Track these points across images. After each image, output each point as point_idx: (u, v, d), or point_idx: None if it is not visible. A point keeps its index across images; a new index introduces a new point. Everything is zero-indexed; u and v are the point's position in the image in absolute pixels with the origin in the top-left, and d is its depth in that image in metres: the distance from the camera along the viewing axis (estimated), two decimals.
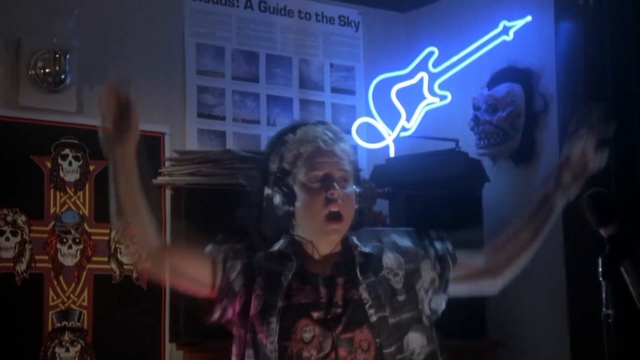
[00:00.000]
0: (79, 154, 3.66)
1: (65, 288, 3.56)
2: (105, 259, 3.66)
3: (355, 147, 4.25)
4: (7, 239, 3.47)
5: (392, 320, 1.98)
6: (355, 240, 2.08)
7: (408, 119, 4.05)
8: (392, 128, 4.07)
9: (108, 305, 3.63)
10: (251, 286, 2.03)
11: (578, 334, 3.31)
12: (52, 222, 3.58)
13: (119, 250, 3.67)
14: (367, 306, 1.97)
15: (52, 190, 3.59)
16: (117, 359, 3.61)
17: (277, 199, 2.06)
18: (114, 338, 3.61)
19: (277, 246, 2.07)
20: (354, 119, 4.22)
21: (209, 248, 2.11)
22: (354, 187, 2.06)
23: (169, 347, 3.68)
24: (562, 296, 3.39)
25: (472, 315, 3.47)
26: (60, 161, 3.62)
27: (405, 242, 2.11)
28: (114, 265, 3.67)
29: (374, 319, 1.97)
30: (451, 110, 3.99)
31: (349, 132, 4.15)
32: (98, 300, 3.62)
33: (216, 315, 2.07)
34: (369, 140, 4.17)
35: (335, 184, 2.01)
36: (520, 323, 3.64)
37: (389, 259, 2.06)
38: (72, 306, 3.56)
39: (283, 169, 2.07)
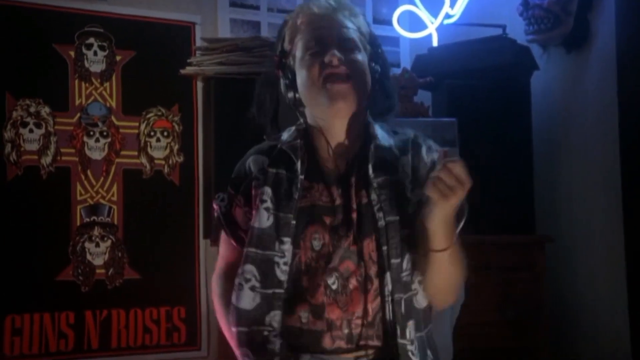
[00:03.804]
0: (105, 44, 3.54)
1: (94, 182, 3.48)
2: (135, 153, 3.58)
3: (397, 38, 4.08)
4: (31, 131, 3.39)
5: (401, 230, 1.77)
6: (376, 130, 1.88)
7: (452, 5, 3.86)
8: (435, 16, 3.88)
9: (139, 200, 3.57)
10: (256, 196, 1.86)
11: (634, 227, 3.13)
12: (78, 114, 3.50)
13: (149, 144, 3.56)
14: (375, 208, 1.77)
15: (76, 81, 3.50)
16: (150, 255, 3.56)
17: (282, 86, 1.90)
18: (146, 234, 3.56)
19: (284, 136, 1.90)
20: (396, 8, 4.01)
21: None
22: (368, 61, 1.87)
23: (203, 244, 3.61)
24: (616, 187, 3.19)
25: (520, 210, 3.37)
26: (84, 51, 3.52)
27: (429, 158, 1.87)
28: (144, 160, 3.58)
29: (381, 222, 1.76)
30: None
31: (390, 22, 3.97)
32: (128, 195, 3.55)
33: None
34: (411, 29, 3.99)
35: (334, 50, 1.81)
36: (570, 218, 3.48)
37: (407, 164, 1.84)
38: (101, 201, 3.49)
39: (283, 50, 1.91)
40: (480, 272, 3.13)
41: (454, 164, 1.62)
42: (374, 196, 1.78)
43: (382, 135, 1.88)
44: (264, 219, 1.82)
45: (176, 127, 3.64)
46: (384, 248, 1.75)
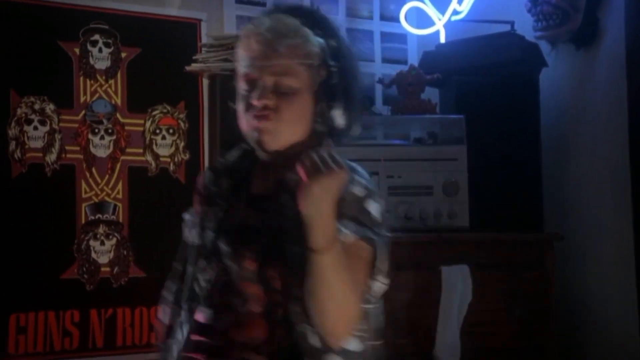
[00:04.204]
0: (110, 40, 3.52)
1: (99, 180, 3.46)
2: (140, 150, 3.56)
3: (404, 35, 4.05)
4: (36, 128, 3.37)
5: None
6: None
7: (459, 2, 3.82)
8: (443, 12, 3.85)
9: (144, 198, 3.55)
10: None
11: None
12: (83, 112, 3.47)
13: (154, 141, 3.55)
14: (284, 236, 1.70)
15: (81, 78, 3.48)
16: (155, 253, 3.53)
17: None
18: (151, 232, 3.53)
19: (232, 153, 1.90)
20: (403, 5, 3.98)
21: None
22: (317, 85, 1.77)
23: None
24: (626, 185, 3.16)
25: (528, 207, 3.32)
26: (89, 47, 3.49)
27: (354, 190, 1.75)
28: (149, 157, 3.56)
29: (288, 253, 1.69)
30: None
31: (397, 19, 3.94)
32: (133, 193, 3.53)
33: None
34: (418, 26, 3.97)
35: (260, 91, 1.71)
36: (579, 216, 3.44)
37: None
38: (106, 199, 3.47)
39: (235, 77, 1.82)
40: (488, 271, 3.10)
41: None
42: (287, 224, 1.70)
43: None
44: (192, 235, 1.88)
45: (182, 124, 3.62)
46: (289, 278, 1.69)
